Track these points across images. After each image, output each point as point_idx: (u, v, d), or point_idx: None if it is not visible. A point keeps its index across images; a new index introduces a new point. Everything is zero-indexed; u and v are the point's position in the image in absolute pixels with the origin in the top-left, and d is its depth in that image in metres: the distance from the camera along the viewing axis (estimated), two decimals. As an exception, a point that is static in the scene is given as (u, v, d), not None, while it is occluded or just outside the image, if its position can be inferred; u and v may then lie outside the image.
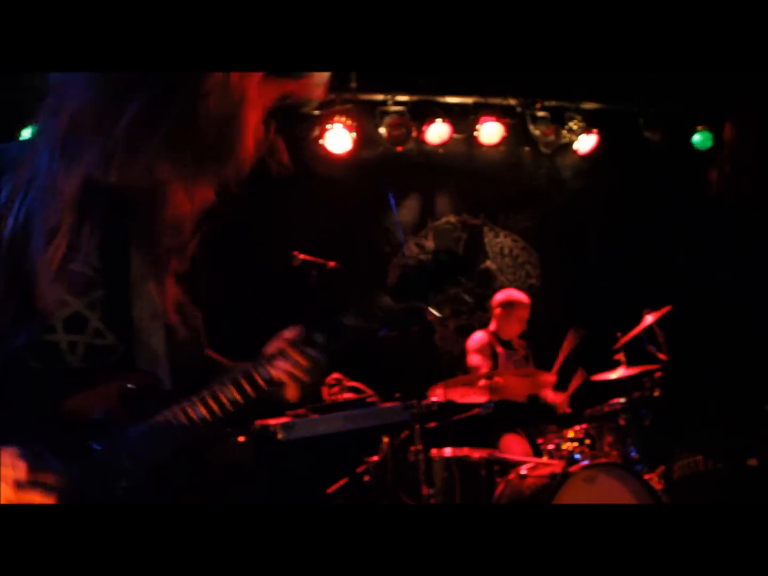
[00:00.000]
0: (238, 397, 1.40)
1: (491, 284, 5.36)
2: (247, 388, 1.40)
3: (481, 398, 3.68)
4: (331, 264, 3.51)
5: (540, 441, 3.80)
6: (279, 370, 1.38)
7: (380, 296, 1.45)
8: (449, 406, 3.51)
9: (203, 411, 1.40)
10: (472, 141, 5.49)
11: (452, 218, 5.54)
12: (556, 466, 3.37)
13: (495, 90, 5.46)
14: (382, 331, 2.98)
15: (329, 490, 3.67)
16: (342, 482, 3.54)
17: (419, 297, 1.49)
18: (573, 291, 5.37)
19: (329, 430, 2.92)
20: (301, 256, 3.51)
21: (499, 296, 4.58)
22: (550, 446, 3.60)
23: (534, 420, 4.09)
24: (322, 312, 1.47)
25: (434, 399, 3.47)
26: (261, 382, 1.40)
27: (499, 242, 5.60)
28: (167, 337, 1.52)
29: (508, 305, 4.47)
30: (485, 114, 5.40)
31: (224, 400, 1.40)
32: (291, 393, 1.42)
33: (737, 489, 1.69)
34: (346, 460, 3.77)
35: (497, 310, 4.50)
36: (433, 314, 1.62)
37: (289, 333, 1.43)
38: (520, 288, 5.52)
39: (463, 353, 4.58)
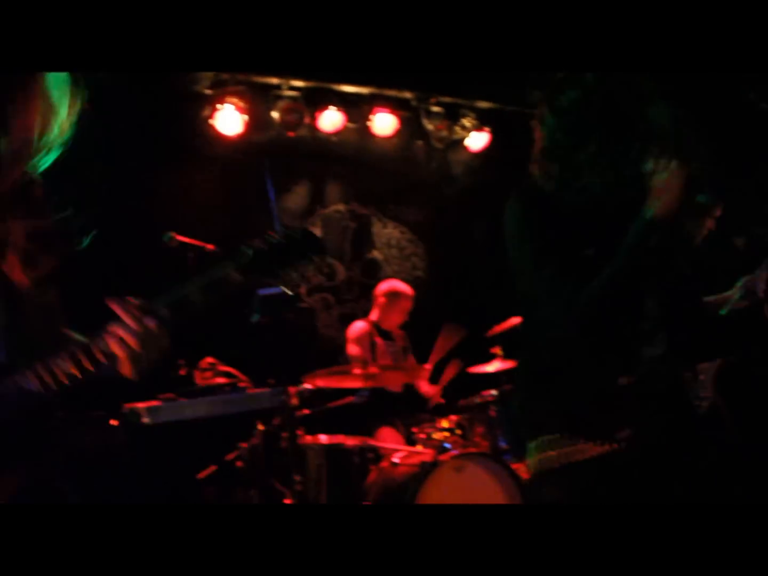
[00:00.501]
0: (74, 370, 1.34)
1: (377, 274, 5.40)
2: (85, 361, 1.34)
3: (355, 386, 3.70)
4: (210, 247, 3.42)
5: (415, 430, 3.86)
6: (114, 339, 1.33)
7: (227, 270, 1.42)
8: (322, 393, 3.51)
9: (37, 383, 1.34)
10: (365, 131, 5.49)
11: (341, 207, 5.54)
12: (427, 455, 3.43)
13: (391, 82, 5.48)
14: (255, 317, 2.95)
15: (200, 476, 3.59)
16: (213, 468, 3.47)
17: (268, 274, 1.47)
18: (457, 284, 5.48)
19: (196, 414, 2.85)
20: (179, 238, 3.40)
21: (384, 287, 4.60)
22: (422, 435, 3.66)
23: (409, 409, 4.15)
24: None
25: (307, 386, 3.46)
26: (99, 355, 1.34)
27: (387, 233, 5.65)
28: (11, 312, 1.46)
29: (393, 296, 4.50)
30: (380, 105, 5.41)
31: (59, 374, 1.34)
32: (125, 367, 1.36)
33: (591, 483, 1.74)
34: (221, 445, 3.71)
35: (380, 300, 4.52)
36: (294, 295, 1.60)
37: (129, 303, 1.38)
38: (406, 279, 5.58)
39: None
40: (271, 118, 5.20)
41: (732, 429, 3.28)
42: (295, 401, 3.29)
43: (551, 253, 1.73)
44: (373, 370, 3.52)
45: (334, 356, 4.53)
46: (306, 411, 3.53)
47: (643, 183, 1.74)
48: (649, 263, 1.75)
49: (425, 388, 4.39)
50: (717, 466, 1.85)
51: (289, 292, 1.44)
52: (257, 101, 5.15)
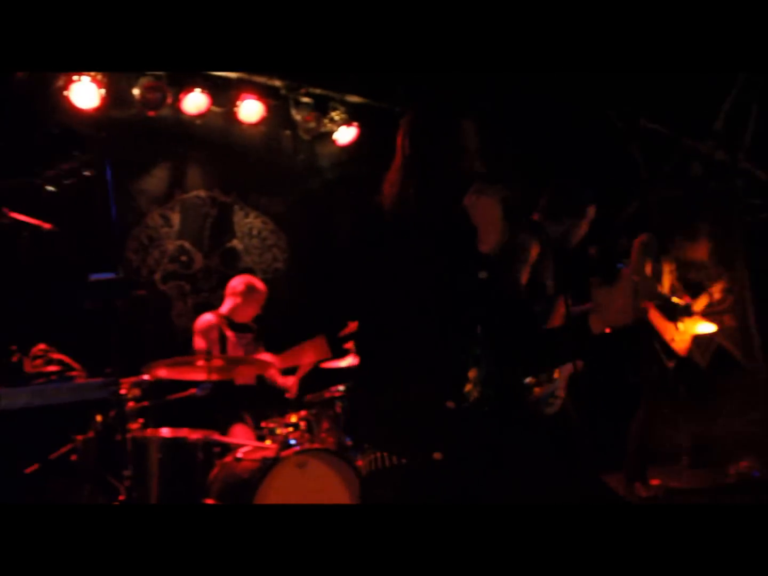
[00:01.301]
0: None
1: (236, 264, 5.28)
2: None
3: (198, 379, 3.59)
4: (47, 226, 3.20)
5: (264, 425, 3.79)
6: None
7: None
8: (162, 385, 3.38)
9: None
10: (231, 117, 5.35)
11: (202, 193, 5.36)
12: (270, 450, 3.38)
13: (260, 68, 5.36)
14: (85, 302, 2.80)
15: (28, 470, 3.38)
16: (38, 464, 3.27)
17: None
18: (317, 278, 5.44)
19: (13, 404, 2.66)
20: (12, 214, 3.16)
21: (239, 281, 4.48)
22: (266, 431, 3.61)
23: (260, 403, 4.09)
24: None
25: (145, 377, 3.33)
26: None
27: (248, 222, 5.53)
28: None
29: (249, 291, 4.40)
30: (247, 91, 5.29)
31: None
32: None
33: (423, 483, 1.75)
34: (56, 438, 3.51)
35: (236, 296, 4.41)
36: (129, 281, 1.52)
37: None
38: (265, 271, 5.50)
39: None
40: (131, 95, 4.96)
41: (578, 426, 3.45)
42: (130, 392, 3.15)
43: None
44: (217, 362, 3.43)
45: (186, 347, 4.39)
46: (145, 403, 3.39)
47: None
48: (478, 293, 1.81)
49: (281, 380, 4.34)
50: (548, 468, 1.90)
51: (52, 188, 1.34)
52: (117, 76, 4.91)
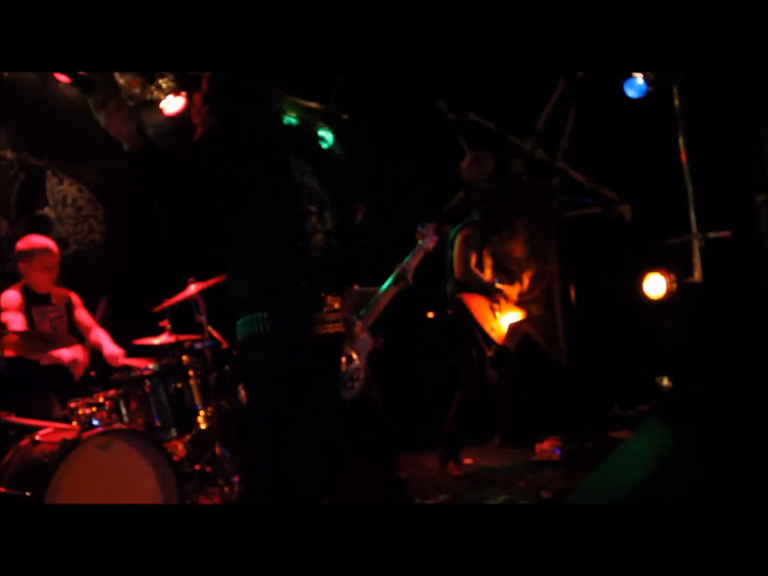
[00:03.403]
0: None
1: (47, 233, 4.89)
2: None
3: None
4: None
5: (72, 405, 3.54)
6: None
7: None
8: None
9: None
10: (46, 75, 4.93)
11: (9, 154, 4.90)
12: (72, 431, 3.16)
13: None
14: None
15: None
16: None
17: None
18: (134, 252, 5.18)
19: None
20: None
21: (18, 245, 3.99)
22: (69, 412, 3.37)
23: (67, 382, 3.81)
24: None
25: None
26: None
27: (62, 190, 5.13)
28: None
29: (28, 255, 3.91)
30: (65, 48, 4.90)
31: None
32: None
33: None
34: None
35: (19, 263, 3.96)
36: None
37: None
38: (80, 242, 5.15)
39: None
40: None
41: (382, 407, 3.51)
42: None
43: None
44: (11, 338, 3.15)
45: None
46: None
47: None
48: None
49: (110, 350, 4.00)
50: None
51: None
52: None
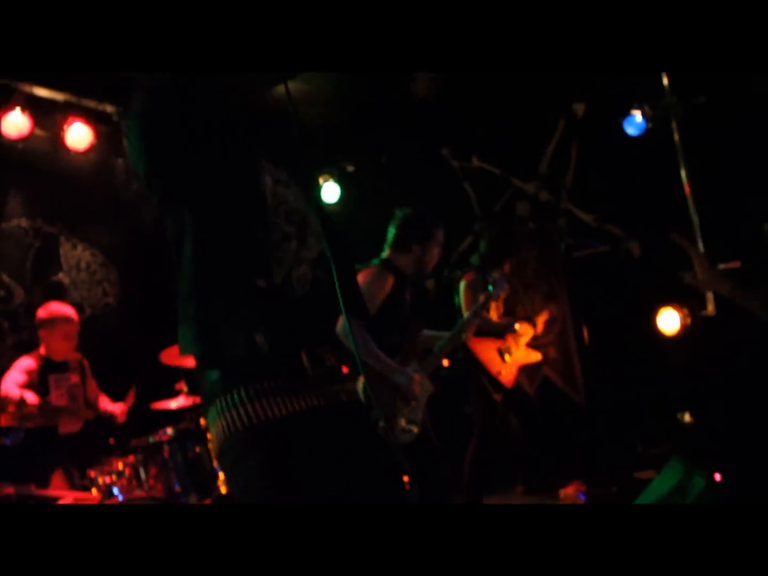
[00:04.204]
0: None
1: (61, 299, 4.94)
2: None
3: (10, 426, 3.29)
4: None
5: (92, 474, 3.54)
6: None
7: None
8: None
9: None
10: (57, 141, 5.04)
11: (24, 222, 4.98)
12: (93, 500, 3.15)
13: (91, 92, 5.11)
14: None
15: None
16: None
17: None
18: (149, 314, 5.21)
19: None
20: None
21: (41, 310, 4.09)
22: (88, 481, 3.37)
23: (85, 450, 3.81)
24: None
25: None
26: None
27: (76, 255, 5.20)
28: None
29: (49, 323, 4.02)
30: (75, 115, 5.01)
31: None
32: None
33: None
34: None
35: (41, 328, 4.05)
36: None
37: None
38: (95, 306, 5.20)
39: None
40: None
41: (438, 450, 3.48)
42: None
43: None
44: (29, 409, 3.17)
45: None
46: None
47: None
48: None
49: (110, 407, 4.04)
50: None
51: None
52: None
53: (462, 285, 4.58)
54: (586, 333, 5.73)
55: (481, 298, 3.81)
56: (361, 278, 3.37)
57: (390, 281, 3.45)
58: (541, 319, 5.04)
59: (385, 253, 3.62)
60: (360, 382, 3.23)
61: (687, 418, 5.67)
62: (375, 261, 3.58)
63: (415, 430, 3.32)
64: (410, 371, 3.27)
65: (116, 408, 4.08)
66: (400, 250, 3.58)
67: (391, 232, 3.65)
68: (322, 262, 1.62)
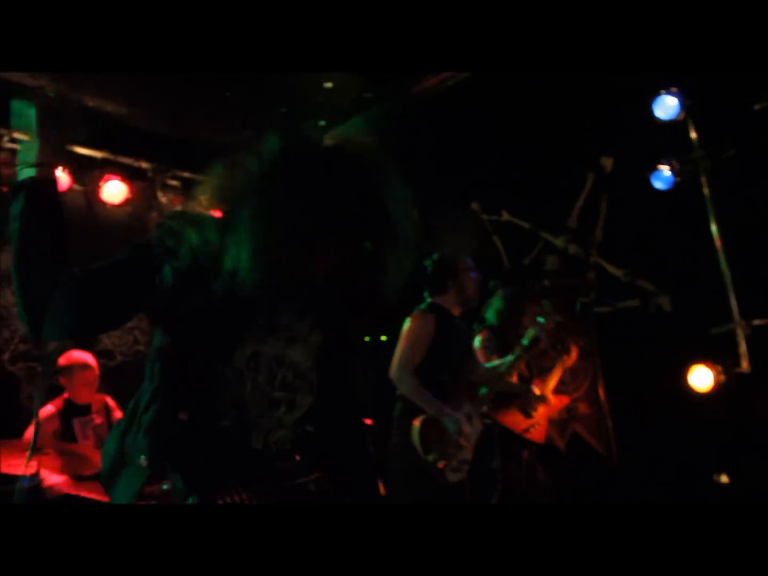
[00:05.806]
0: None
1: (94, 346, 5.05)
2: None
3: (29, 471, 3.33)
4: None
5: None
6: None
7: None
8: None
9: None
10: (93, 196, 5.22)
11: (61, 274, 5.14)
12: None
13: (126, 149, 5.32)
14: None
15: None
16: None
17: None
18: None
19: None
20: None
21: (62, 358, 4.21)
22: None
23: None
24: None
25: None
26: None
27: (108, 304, 5.32)
28: None
29: (68, 370, 4.13)
30: (112, 172, 5.20)
31: None
32: None
33: None
34: None
35: (61, 378, 4.16)
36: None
37: None
38: (126, 354, 5.29)
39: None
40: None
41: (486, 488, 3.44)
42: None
43: None
44: (49, 454, 3.20)
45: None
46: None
47: None
48: None
49: None
50: None
51: None
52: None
53: (478, 341, 4.57)
54: (618, 388, 5.62)
55: (531, 333, 3.95)
56: (408, 325, 3.74)
57: (432, 321, 3.74)
58: (569, 359, 4.95)
59: (427, 299, 3.94)
60: (415, 426, 3.34)
61: (724, 478, 5.47)
62: (422, 306, 3.89)
63: (466, 469, 3.50)
64: (460, 415, 3.47)
65: None
66: (438, 292, 3.91)
67: (426, 280, 3.95)
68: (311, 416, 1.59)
